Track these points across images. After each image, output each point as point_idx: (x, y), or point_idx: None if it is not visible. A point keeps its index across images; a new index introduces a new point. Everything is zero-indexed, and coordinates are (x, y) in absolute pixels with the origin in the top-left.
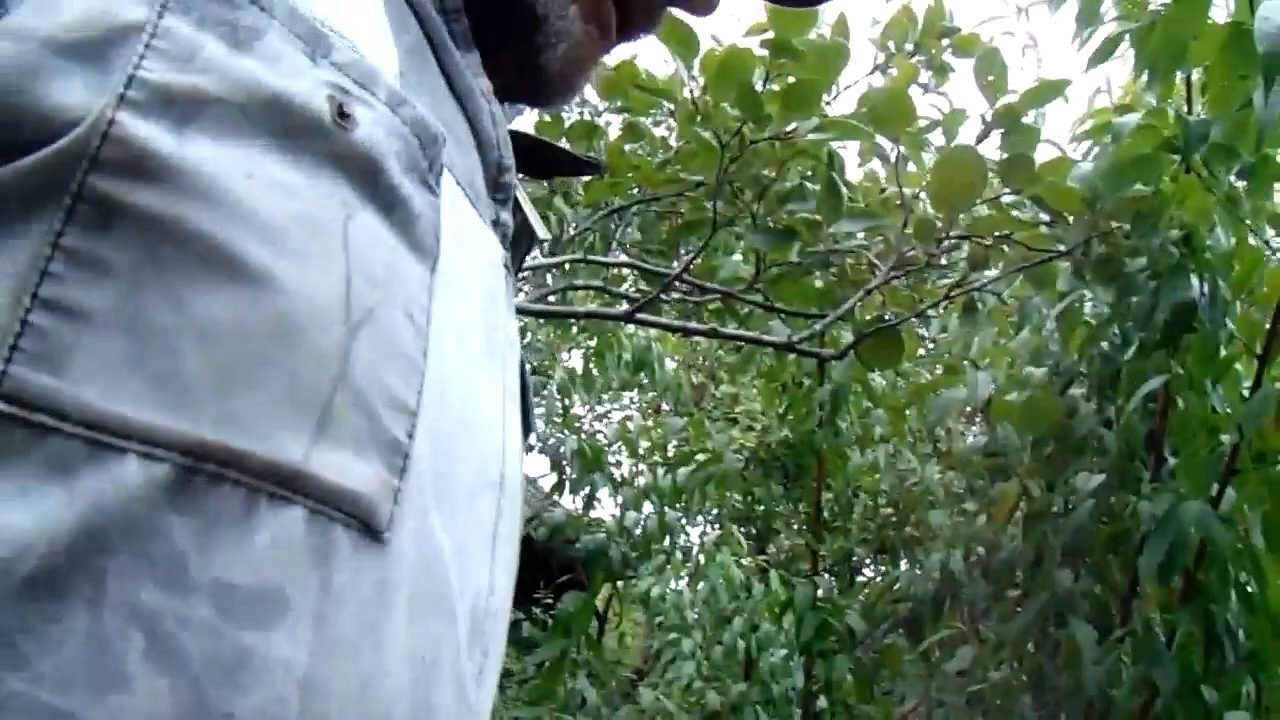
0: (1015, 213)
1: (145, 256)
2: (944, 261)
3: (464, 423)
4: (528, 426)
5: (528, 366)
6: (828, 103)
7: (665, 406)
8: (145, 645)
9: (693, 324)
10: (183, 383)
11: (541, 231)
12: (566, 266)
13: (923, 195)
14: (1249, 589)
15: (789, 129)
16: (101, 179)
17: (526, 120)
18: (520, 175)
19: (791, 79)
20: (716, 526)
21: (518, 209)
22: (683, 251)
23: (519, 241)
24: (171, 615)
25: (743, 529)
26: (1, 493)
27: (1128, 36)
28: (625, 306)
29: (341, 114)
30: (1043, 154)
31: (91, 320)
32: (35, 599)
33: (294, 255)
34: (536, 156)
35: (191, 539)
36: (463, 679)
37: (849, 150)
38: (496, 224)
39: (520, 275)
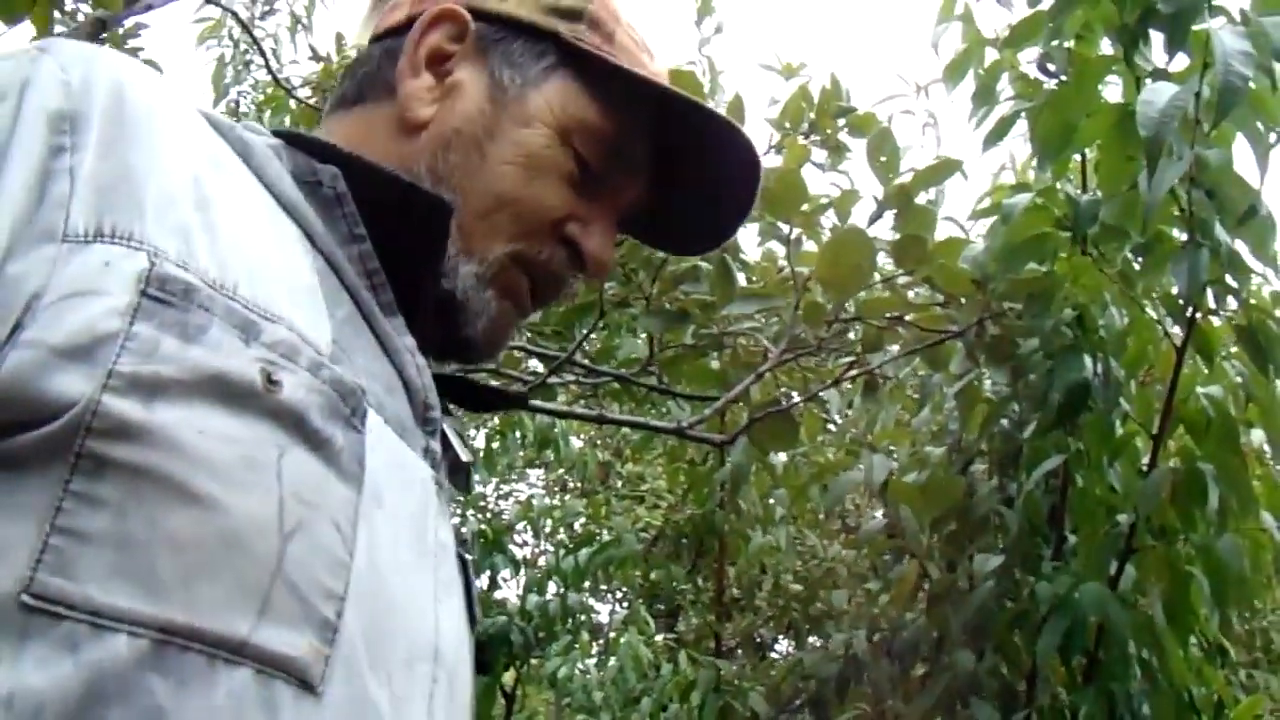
0: (912, 293)
1: (128, 492)
2: (837, 344)
3: (396, 606)
4: (472, 615)
5: (470, 564)
6: None
7: (571, 484)
8: None
9: (579, 409)
10: (157, 579)
11: (465, 456)
12: None
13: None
14: (1152, 665)
15: None
16: (94, 441)
17: None
18: (455, 408)
19: None
20: (625, 605)
21: (447, 442)
22: (579, 334)
23: (457, 468)
24: None
25: (653, 607)
26: (28, 662)
27: (1023, 115)
28: (518, 388)
29: (270, 380)
30: (943, 233)
31: (91, 539)
32: None
33: (236, 485)
34: (469, 394)
35: (167, 693)
36: None
37: (748, 230)
38: (426, 451)
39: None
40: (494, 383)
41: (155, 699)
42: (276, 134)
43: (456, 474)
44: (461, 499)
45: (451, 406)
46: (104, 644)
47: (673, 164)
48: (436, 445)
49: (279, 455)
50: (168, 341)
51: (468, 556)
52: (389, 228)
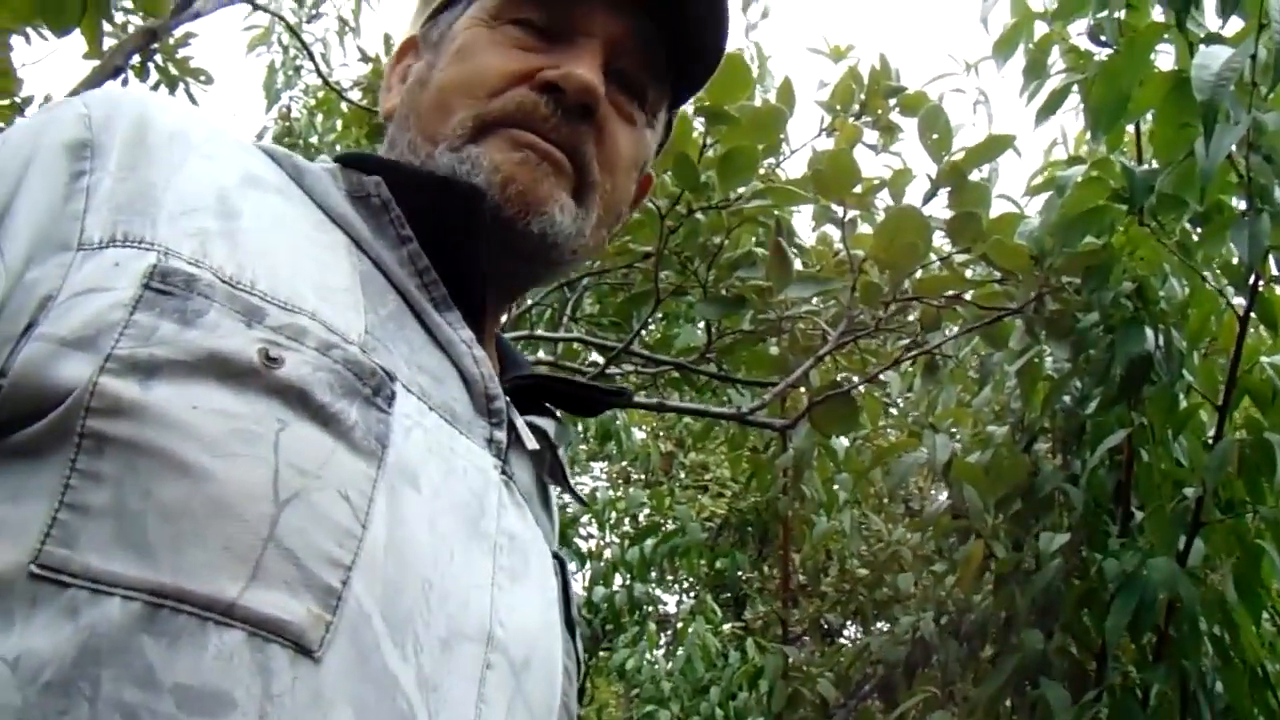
0: (969, 271)
1: (126, 466)
2: (895, 325)
3: (429, 582)
4: (569, 619)
5: (566, 565)
6: (777, 167)
7: (635, 476)
8: None
9: (640, 398)
10: (150, 547)
11: (530, 443)
12: (520, 344)
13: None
14: (1223, 641)
15: (731, 196)
16: (94, 420)
17: None
18: (561, 412)
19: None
20: (691, 595)
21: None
22: (636, 324)
23: (540, 453)
24: (145, 708)
25: (720, 596)
26: (36, 627)
27: (1075, 88)
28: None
29: (269, 358)
30: (998, 210)
31: (92, 512)
32: (52, 696)
33: (228, 456)
34: (572, 395)
35: (159, 653)
36: None
37: (803, 215)
38: (490, 441)
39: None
40: (568, 377)
41: (146, 658)
42: (337, 159)
43: (556, 474)
44: (578, 500)
45: (550, 408)
46: (100, 607)
47: None
48: (502, 435)
49: (279, 429)
50: (166, 326)
51: (564, 557)
52: (438, 222)
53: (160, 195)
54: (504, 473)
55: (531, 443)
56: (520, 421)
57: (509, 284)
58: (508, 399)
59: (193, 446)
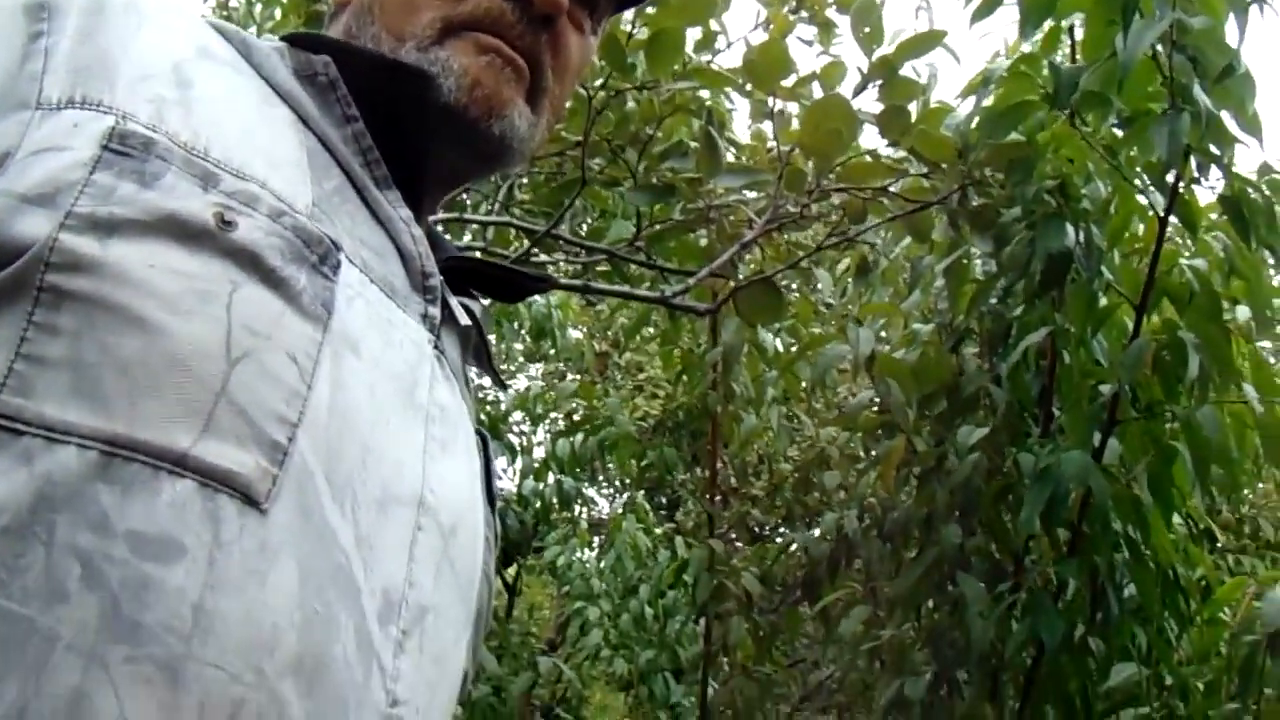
0: (901, 169)
1: (83, 320)
2: (821, 213)
3: (370, 447)
4: (490, 493)
5: (488, 441)
6: (711, 61)
7: (570, 376)
8: (81, 572)
9: (564, 280)
10: (105, 397)
11: (462, 319)
12: (446, 229)
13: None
14: (1136, 541)
15: (662, 82)
16: (53, 275)
17: None
18: (489, 300)
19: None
20: (625, 495)
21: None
22: (564, 209)
23: (468, 331)
24: (99, 553)
25: (653, 498)
26: None
27: None
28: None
29: (224, 222)
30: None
31: (48, 363)
32: (8, 542)
33: (183, 313)
34: (496, 279)
35: (113, 501)
36: (372, 642)
37: (740, 112)
38: (425, 317)
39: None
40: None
41: (100, 505)
42: (284, 38)
43: (480, 356)
44: (499, 383)
45: (478, 295)
46: (54, 455)
47: None
48: (436, 311)
49: (231, 290)
50: (125, 186)
51: (485, 433)
52: (385, 106)
53: (118, 61)
54: (436, 348)
55: (464, 318)
56: (453, 300)
57: (450, 175)
58: (441, 278)
59: (150, 303)
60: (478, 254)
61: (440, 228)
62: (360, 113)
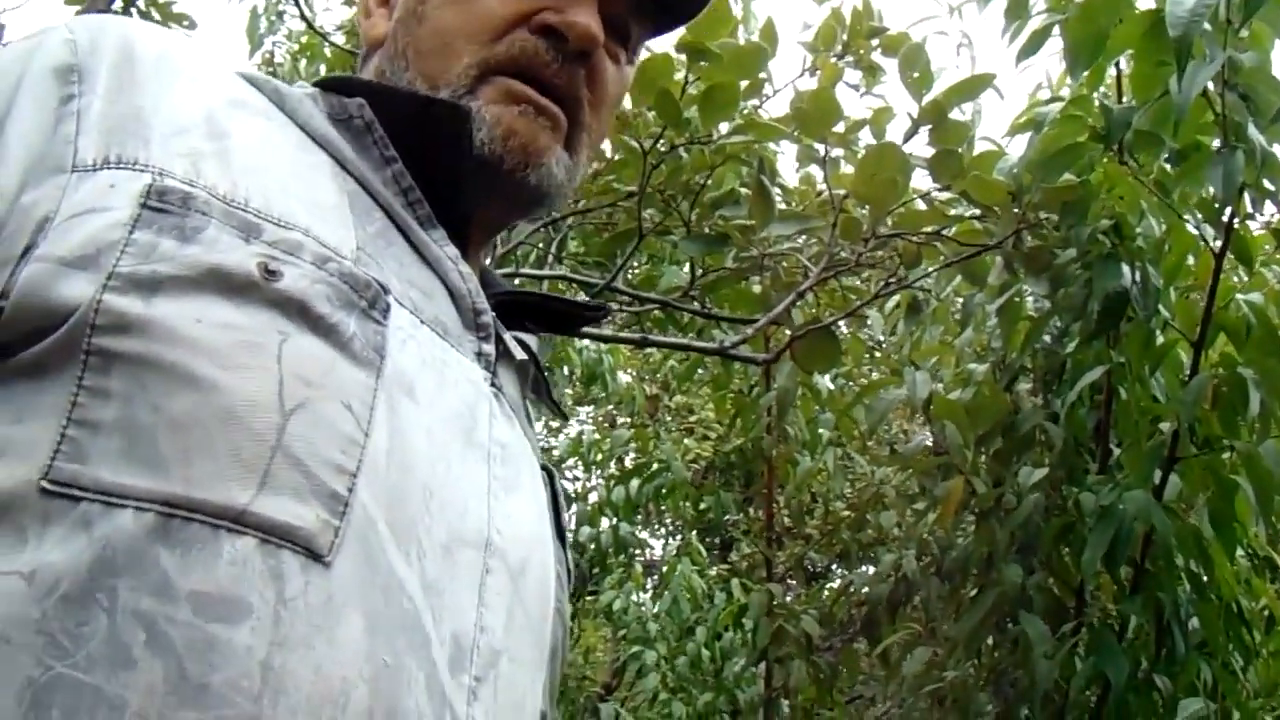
0: (951, 210)
1: (134, 381)
2: (876, 260)
3: (432, 491)
4: (560, 527)
5: (555, 476)
6: (760, 107)
7: (620, 419)
8: (145, 637)
9: (624, 334)
10: (160, 458)
11: (518, 354)
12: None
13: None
14: (1199, 576)
15: (713, 133)
16: (100, 338)
17: None
18: (545, 334)
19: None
20: (678, 537)
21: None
22: (620, 261)
23: (525, 366)
24: (162, 616)
25: (706, 539)
26: (50, 542)
27: (1057, 29)
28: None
29: (269, 271)
30: (980, 151)
31: (101, 427)
32: (70, 608)
33: (234, 367)
34: (549, 311)
35: (173, 563)
36: (444, 691)
37: (786, 156)
38: (479, 355)
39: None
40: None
41: (161, 567)
42: (316, 83)
43: (539, 390)
44: (559, 414)
45: (531, 327)
46: (113, 520)
47: None
48: (490, 348)
49: (281, 340)
50: (166, 243)
51: (551, 469)
52: (420, 146)
53: (150, 117)
54: (493, 385)
55: (519, 353)
56: (507, 335)
57: (492, 220)
58: (494, 314)
59: (199, 359)
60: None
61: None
62: (398, 153)
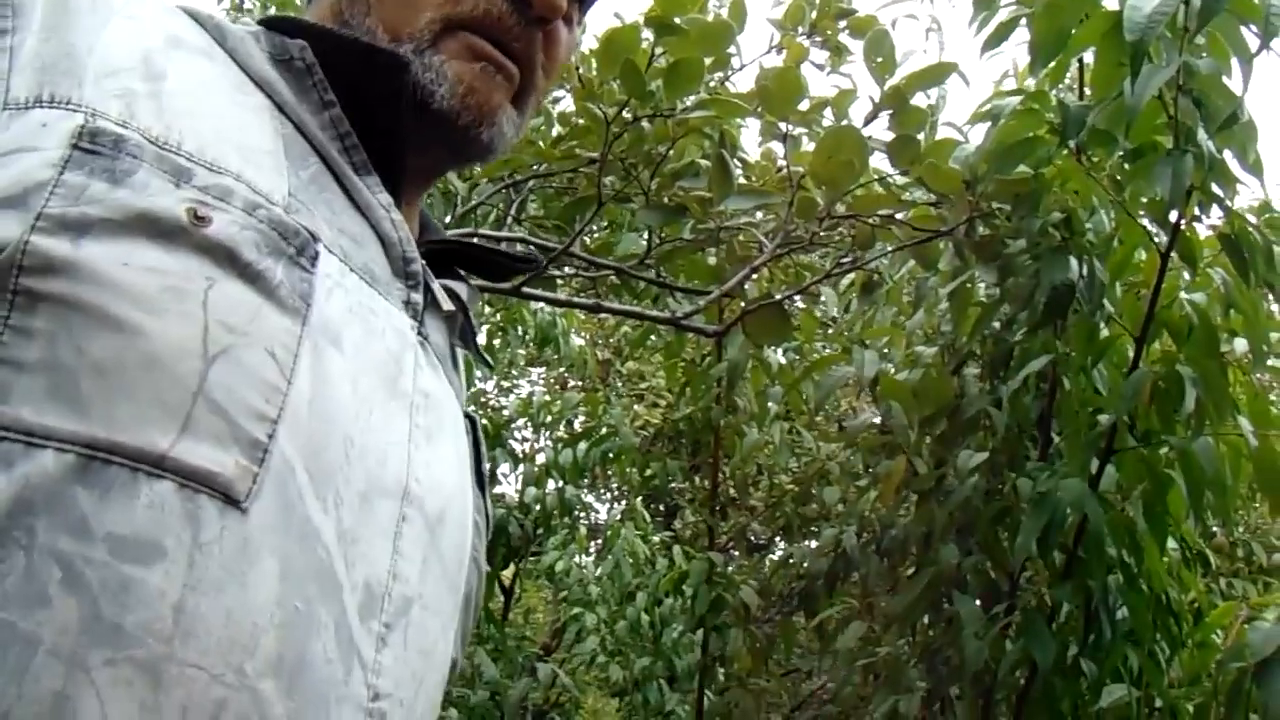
0: (909, 195)
1: (59, 323)
2: (831, 239)
3: (352, 440)
4: (480, 474)
5: (478, 423)
6: (725, 81)
7: (572, 382)
8: (61, 575)
9: (578, 299)
10: (83, 400)
11: (445, 304)
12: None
13: None
14: (1130, 566)
15: (677, 107)
16: (26, 277)
17: None
18: (474, 279)
19: (678, 57)
20: (623, 502)
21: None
22: (579, 227)
23: (454, 315)
24: (79, 556)
25: (651, 505)
26: None
27: (1024, 21)
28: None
29: (197, 217)
30: (940, 138)
31: (24, 366)
32: None
33: (158, 312)
34: (483, 260)
35: (92, 504)
36: (352, 638)
37: (750, 130)
38: (408, 303)
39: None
40: (479, 241)
41: (80, 508)
42: (261, 21)
43: (466, 338)
44: (485, 363)
45: (465, 275)
46: (33, 460)
47: None
48: (419, 297)
49: (207, 286)
50: (96, 185)
51: (474, 417)
52: (361, 91)
53: (85, 56)
54: (420, 334)
55: (447, 304)
56: (436, 285)
57: (429, 167)
58: (424, 263)
59: (124, 303)
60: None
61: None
62: (338, 97)
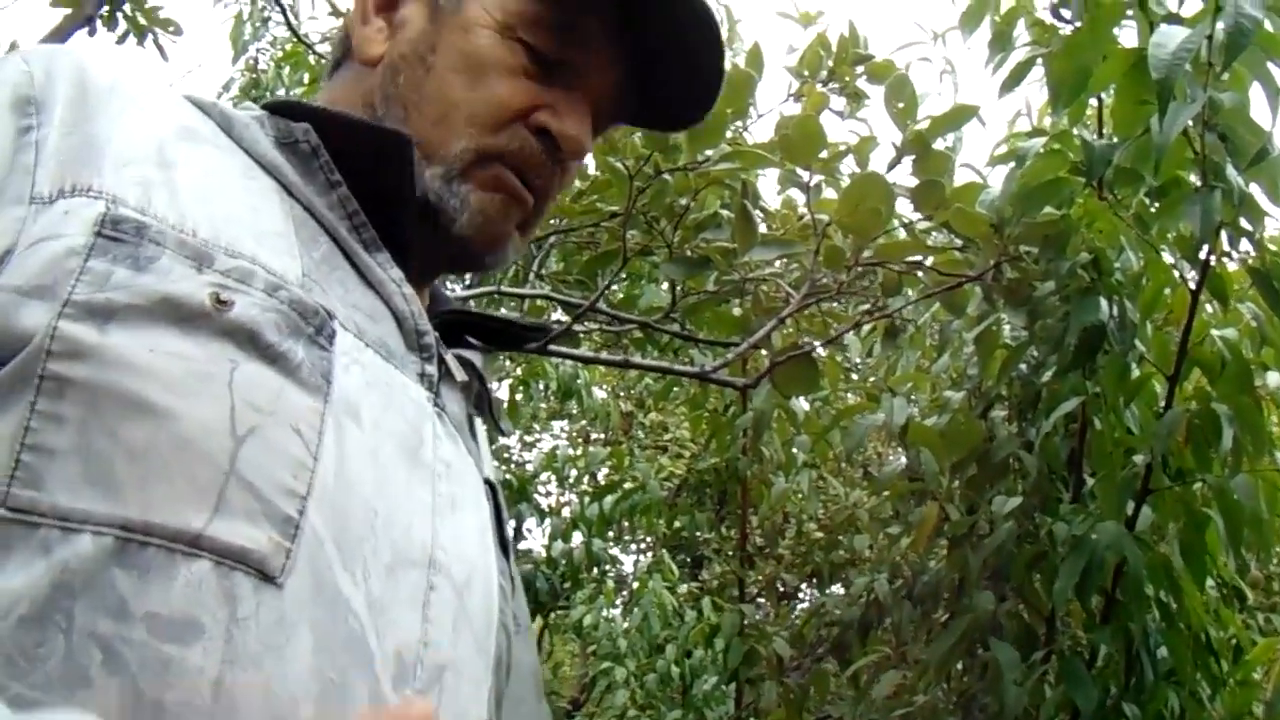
0: (930, 238)
1: (88, 408)
2: (857, 289)
3: (375, 511)
4: (504, 540)
5: (499, 490)
6: (744, 130)
7: (595, 435)
8: (102, 658)
9: (604, 355)
10: (118, 483)
11: (459, 374)
12: (484, 300)
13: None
14: (1168, 606)
15: (699, 159)
16: (54, 364)
17: None
18: (483, 347)
19: None
20: (650, 554)
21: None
22: (602, 283)
23: (469, 385)
24: (118, 637)
25: (678, 556)
26: (11, 568)
27: (1039, 61)
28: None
29: (220, 301)
30: (961, 180)
31: (56, 453)
32: (27, 630)
33: (187, 395)
34: (492, 330)
35: (130, 585)
36: (388, 706)
37: (769, 179)
38: (423, 375)
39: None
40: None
41: (118, 590)
42: (264, 106)
43: (482, 406)
44: (499, 430)
45: (475, 343)
46: (71, 544)
47: (639, 37)
48: (433, 369)
49: (232, 368)
50: (120, 272)
51: (495, 483)
52: (367, 171)
53: (104, 146)
54: (437, 405)
55: (461, 374)
56: (449, 356)
57: (432, 269)
58: (437, 334)
59: (154, 387)
60: (473, 303)
61: (472, 303)
62: (343, 177)
